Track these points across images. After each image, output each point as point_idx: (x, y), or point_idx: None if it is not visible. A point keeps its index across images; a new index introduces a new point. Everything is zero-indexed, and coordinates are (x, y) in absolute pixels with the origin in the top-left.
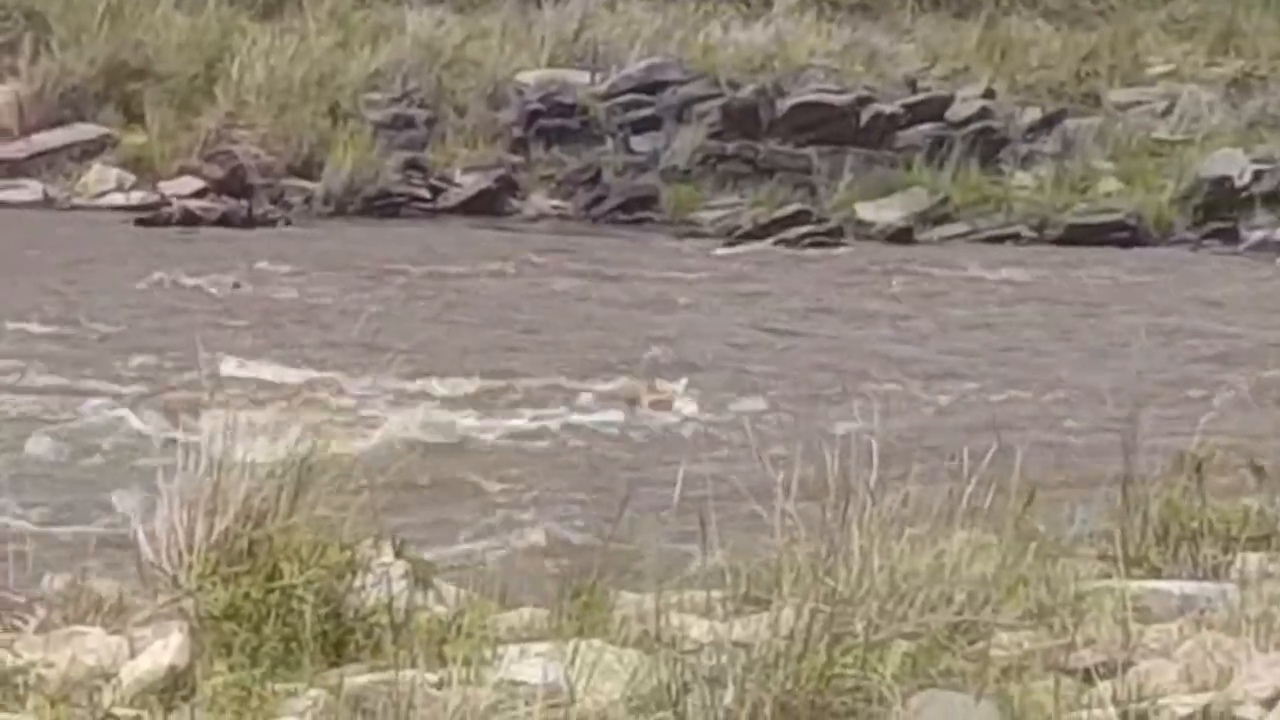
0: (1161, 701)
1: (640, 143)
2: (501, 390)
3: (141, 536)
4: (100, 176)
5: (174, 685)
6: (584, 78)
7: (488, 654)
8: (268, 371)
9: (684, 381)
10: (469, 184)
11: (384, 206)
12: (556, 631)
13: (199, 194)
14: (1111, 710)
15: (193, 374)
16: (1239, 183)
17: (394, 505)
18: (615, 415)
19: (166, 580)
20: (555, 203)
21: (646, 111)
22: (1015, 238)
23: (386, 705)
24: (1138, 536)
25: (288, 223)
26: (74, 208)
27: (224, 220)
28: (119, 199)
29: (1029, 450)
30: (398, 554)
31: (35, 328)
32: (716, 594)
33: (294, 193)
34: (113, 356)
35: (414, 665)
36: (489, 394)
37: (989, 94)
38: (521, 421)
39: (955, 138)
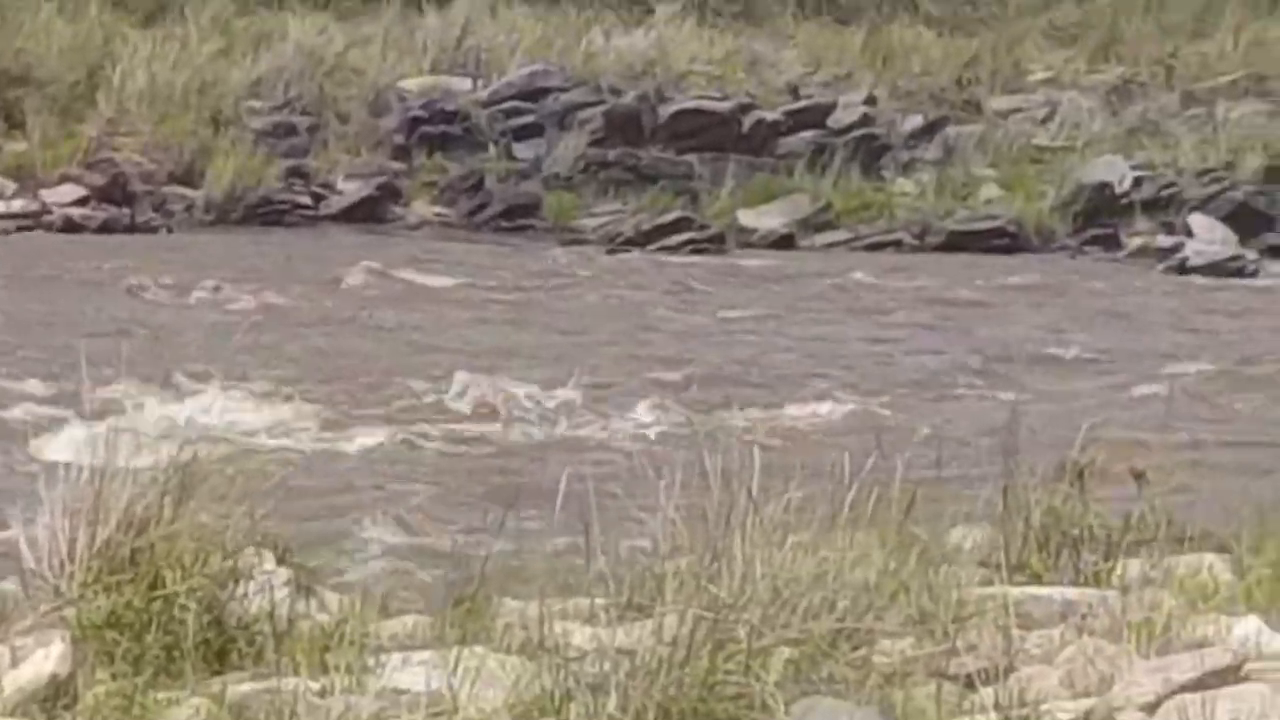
0: (1043, 707)
1: (522, 149)
2: (383, 397)
3: (23, 544)
4: None
5: (56, 694)
6: (466, 84)
7: (370, 662)
8: (142, 379)
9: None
10: (351, 191)
11: (266, 214)
12: (439, 639)
13: (80, 202)
14: (993, 716)
15: (71, 383)
16: (1119, 189)
17: (276, 513)
18: (497, 424)
19: (48, 589)
20: (437, 210)
21: (528, 118)
22: (897, 244)
23: (269, 713)
24: (1019, 543)
25: (169, 230)
26: None
27: (105, 228)
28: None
29: (911, 456)
30: (280, 561)
31: None
32: (600, 601)
33: (176, 200)
34: None
35: (296, 673)
36: (372, 401)
37: (871, 101)
38: (402, 429)
39: (837, 144)
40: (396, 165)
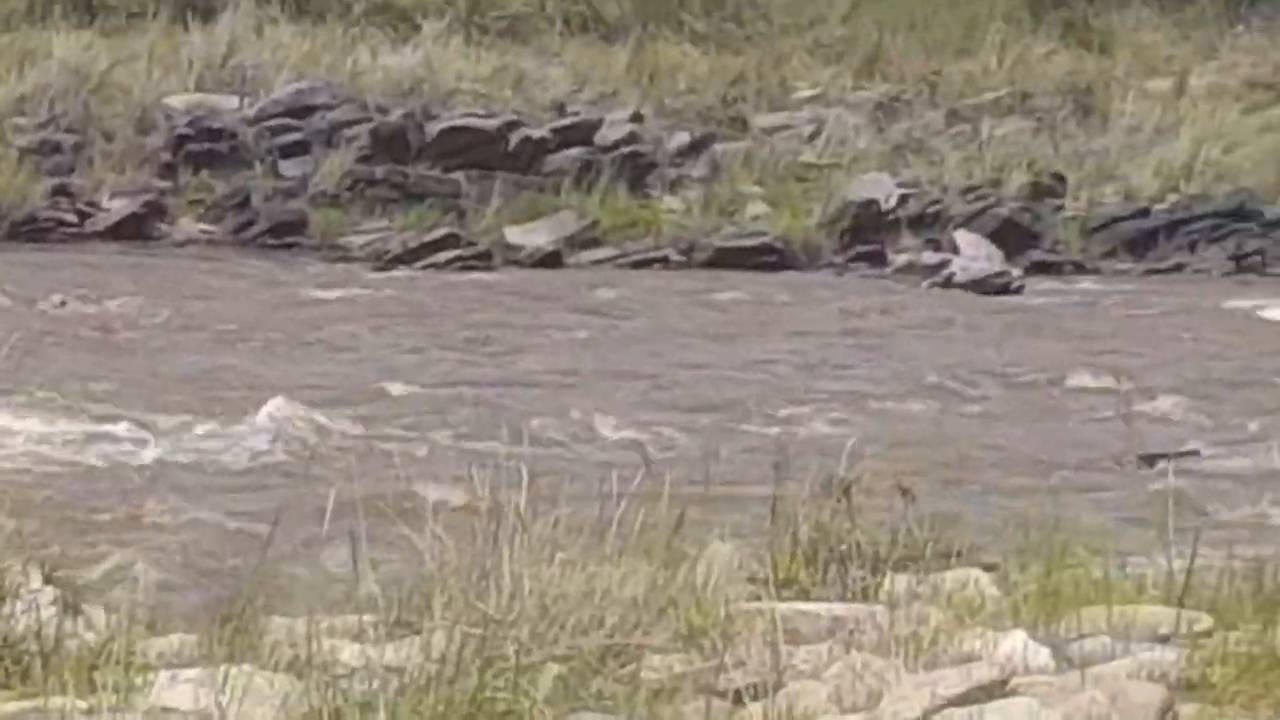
0: None
1: (289, 167)
2: (150, 417)
3: None
4: None
5: None
6: (232, 102)
7: (138, 680)
8: None
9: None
10: (117, 209)
11: (31, 231)
12: (207, 657)
13: None
14: None
15: None
16: (885, 206)
17: (43, 530)
18: (264, 440)
19: None
20: (204, 227)
21: (295, 136)
22: (663, 261)
23: None
24: (787, 559)
25: None
26: None
27: None
28: None
29: (679, 471)
30: (47, 580)
31: None
32: (368, 618)
33: None
34: None
35: (64, 692)
36: (137, 415)
37: (637, 118)
38: (170, 446)
39: (604, 162)
40: (162, 183)
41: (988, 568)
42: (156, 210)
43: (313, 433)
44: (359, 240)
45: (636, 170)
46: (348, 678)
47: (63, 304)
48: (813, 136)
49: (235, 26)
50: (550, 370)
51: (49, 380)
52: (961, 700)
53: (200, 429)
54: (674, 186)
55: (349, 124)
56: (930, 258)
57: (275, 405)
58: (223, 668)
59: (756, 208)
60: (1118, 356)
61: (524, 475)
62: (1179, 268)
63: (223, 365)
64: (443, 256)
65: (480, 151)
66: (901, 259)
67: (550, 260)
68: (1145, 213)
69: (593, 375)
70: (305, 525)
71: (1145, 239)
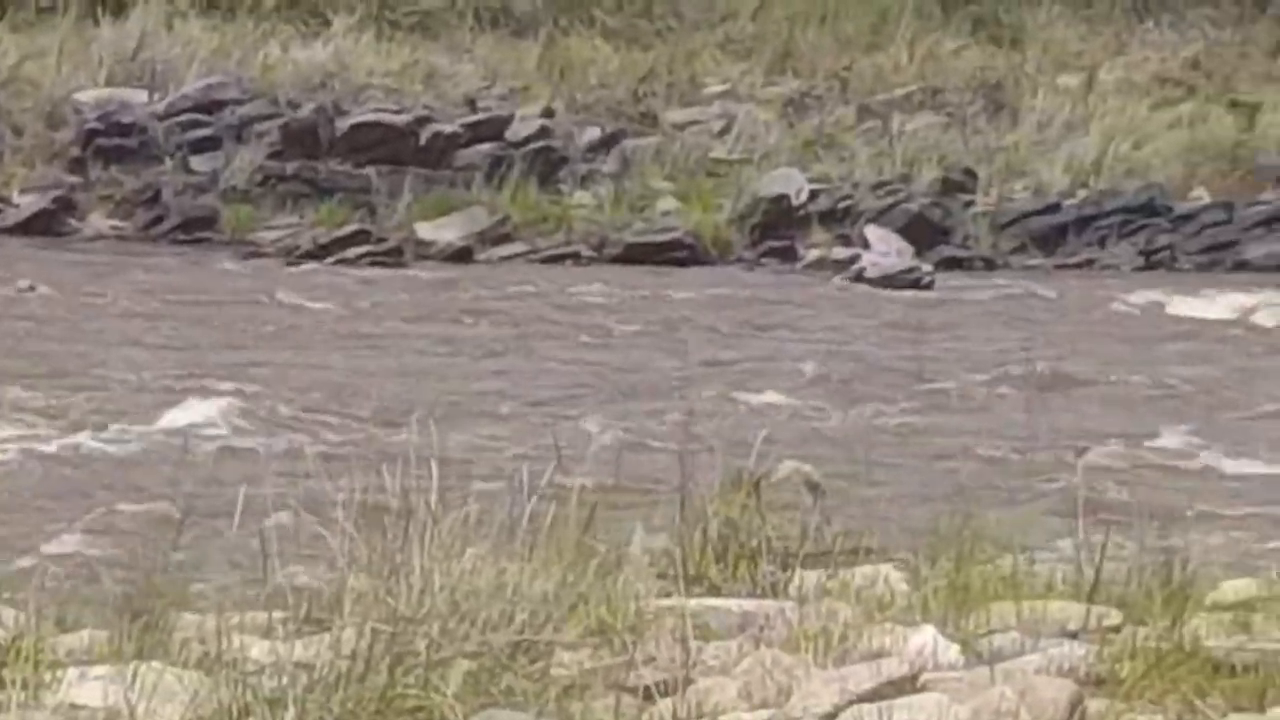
0: (722, 718)
1: (200, 162)
2: (59, 408)
3: None
4: None
5: None
6: (142, 97)
7: (47, 677)
8: None
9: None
10: (26, 204)
11: None
12: (117, 654)
13: None
14: None
15: None
16: (795, 201)
17: None
18: (175, 437)
19: None
20: (114, 223)
21: (206, 131)
22: (575, 257)
23: None
24: (697, 554)
25: None
26: None
27: None
28: None
29: (590, 467)
30: None
31: None
32: (278, 615)
33: None
34: None
35: None
36: (45, 411)
37: (548, 113)
38: (79, 439)
39: (515, 157)
40: (73, 178)
41: (897, 564)
42: (66, 206)
43: (226, 430)
44: (270, 236)
45: (548, 166)
46: (257, 674)
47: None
48: (723, 132)
49: (145, 21)
50: (459, 370)
51: None
52: (871, 696)
53: (111, 425)
54: (585, 182)
55: (260, 119)
56: (841, 253)
57: (185, 402)
58: (132, 664)
59: (667, 203)
60: (1027, 351)
61: (434, 471)
62: (1089, 263)
63: (133, 360)
64: (353, 252)
65: (391, 147)
66: (812, 254)
67: (461, 256)
68: (1055, 208)
69: (497, 374)
70: (215, 522)
71: (1055, 234)
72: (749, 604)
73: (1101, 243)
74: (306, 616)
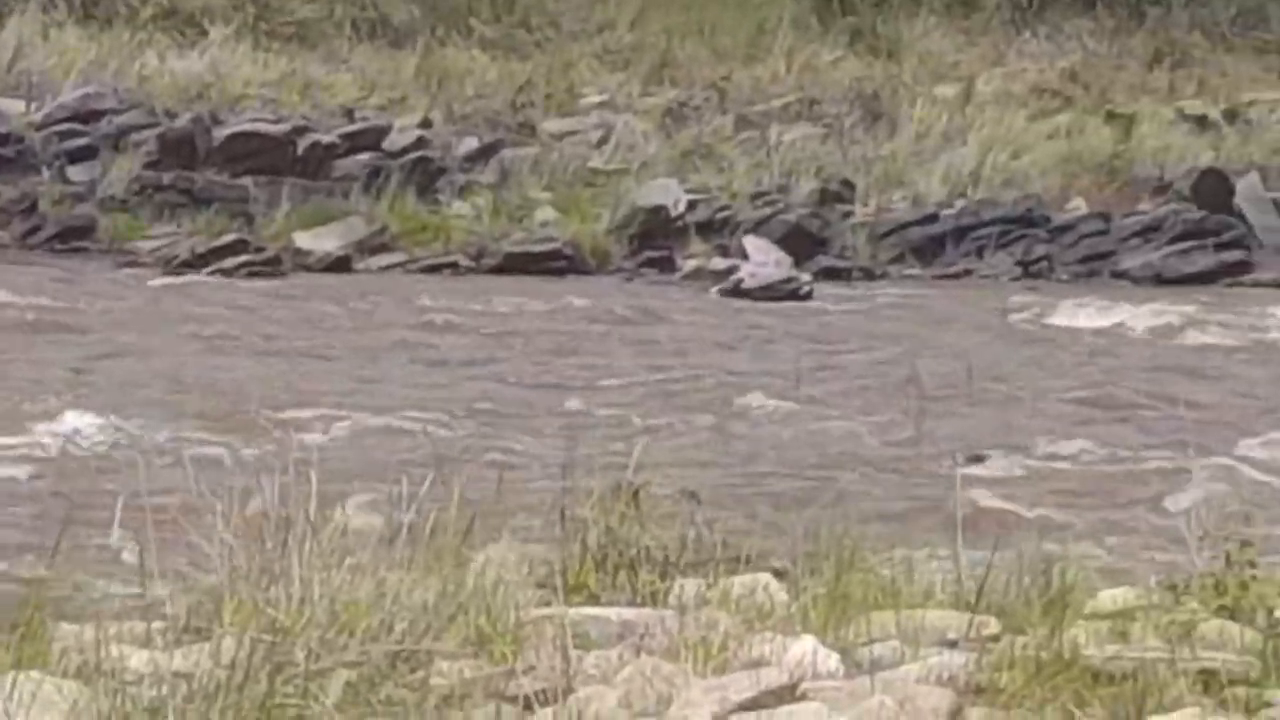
0: None
1: (77, 172)
2: None
3: None
4: None
5: None
6: (19, 106)
7: None
8: None
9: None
10: None
11: None
12: None
13: None
14: None
15: None
16: (674, 212)
17: None
18: (50, 448)
19: None
20: None
21: (83, 140)
22: (453, 266)
23: None
24: (577, 563)
25: None
26: None
27: None
28: None
29: (469, 477)
30: None
31: None
32: (157, 624)
33: None
34: None
35: None
36: None
37: (426, 124)
38: None
39: (393, 167)
40: None
41: (777, 573)
42: None
43: (101, 439)
44: (148, 245)
45: (426, 176)
46: (136, 684)
47: None
48: (601, 142)
49: (21, 30)
50: (339, 375)
51: None
52: (751, 705)
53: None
54: (463, 192)
55: (136, 129)
56: (719, 263)
57: (62, 413)
58: (10, 674)
59: (545, 213)
60: (906, 360)
61: (313, 481)
62: (967, 273)
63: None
64: (231, 262)
65: (268, 157)
66: (690, 265)
67: (339, 265)
68: (933, 218)
69: (373, 381)
70: (94, 532)
71: (933, 244)
72: (629, 613)
73: (979, 253)
74: (186, 626)
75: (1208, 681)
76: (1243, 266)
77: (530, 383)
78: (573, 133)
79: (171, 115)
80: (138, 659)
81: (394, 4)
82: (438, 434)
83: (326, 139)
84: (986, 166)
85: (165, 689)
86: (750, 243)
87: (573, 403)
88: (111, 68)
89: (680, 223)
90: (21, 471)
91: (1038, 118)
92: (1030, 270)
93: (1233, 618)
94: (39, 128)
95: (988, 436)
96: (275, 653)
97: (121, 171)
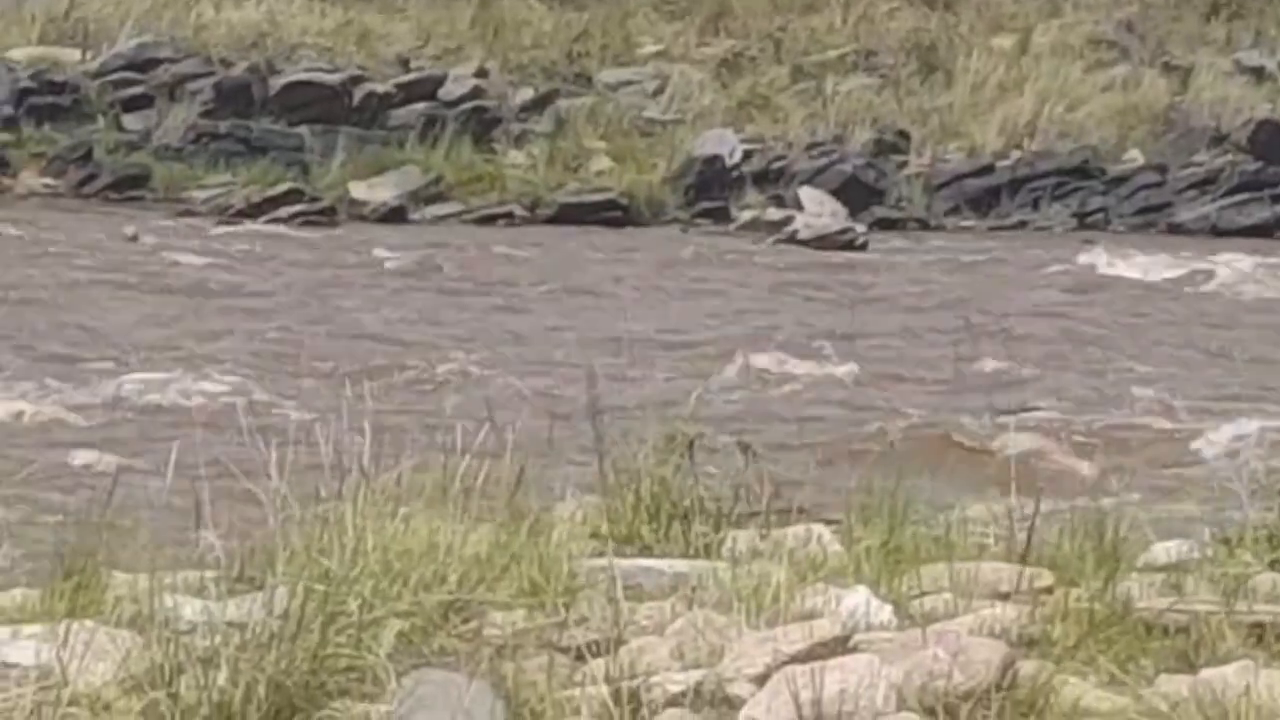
0: (654, 679)
1: (132, 121)
2: None
3: None
4: None
5: None
6: (75, 56)
7: None
8: None
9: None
10: None
11: None
12: (48, 613)
13: None
14: (604, 688)
15: None
16: (729, 162)
17: None
18: (101, 395)
19: None
20: (46, 181)
21: (138, 90)
22: (508, 217)
23: None
24: (630, 514)
25: None
26: None
27: None
28: None
29: (522, 428)
30: None
31: None
32: (210, 574)
33: None
34: None
35: None
36: None
37: (482, 73)
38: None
39: (448, 116)
40: (5, 136)
41: (830, 524)
42: None
43: (161, 389)
44: (202, 195)
45: (481, 125)
46: (190, 633)
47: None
48: (657, 92)
49: None
50: (388, 323)
51: None
52: (803, 657)
53: (45, 382)
54: (519, 142)
55: (192, 78)
56: (774, 214)
57: (119, 364)
58: (64, 623)
59: (601, 163)
60: (961, 312)
61: (368, 430)
62: (1022, 225)
63: (63, 321)
64: (286, 211)
65: (324, 106)
66: (746, 215)
67: (394, 215)
68: (989, 170)
69: (429, 332)
70: (149, 481)
71: (989, 196)
72: (681, 564)
73: (1035, 204)
74: (239, 575)
75: (1261, 634)
76: None
77: (580, 333)
78: (629, 83)
79: (227, 64)
80: (191, 608)
81: None
82: (492, 380)
83: (382, 88)
84: (1043, 118)
85: (218, 639)
86: (805, 193)
87: (619, 356)
88: (168, 17)
89: (736, 173)
90: (69, 420)
91: (1094, 69)
92: (1086, 222)
93: None
94: (95, 76)
95: (1040, 388)
96: (328, 603)
97: (177, 120)
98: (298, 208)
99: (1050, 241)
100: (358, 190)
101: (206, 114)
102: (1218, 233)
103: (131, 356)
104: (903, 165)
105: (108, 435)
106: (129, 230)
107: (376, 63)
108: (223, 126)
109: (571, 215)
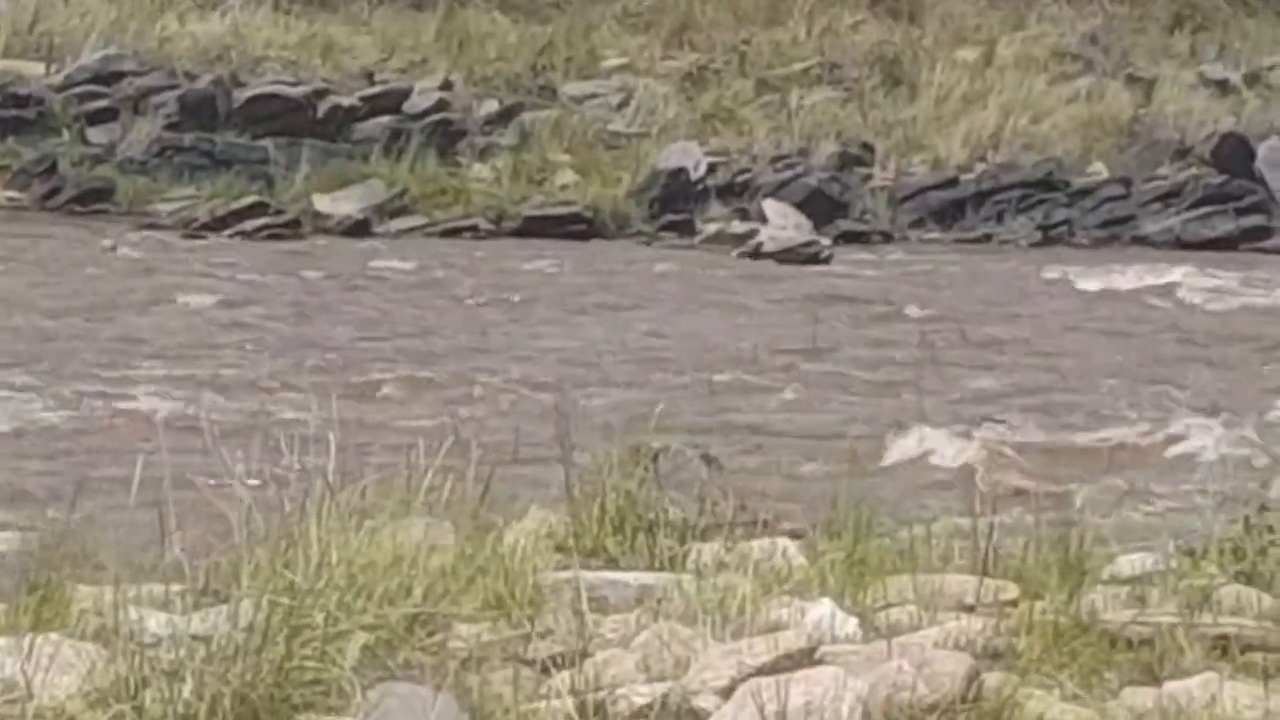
0: (619, 691)
1: (97, 134)
2: None
3: None
4: None
5: None
6: (40, 69)
7: None
8: None
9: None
10: None
11: None
12: (12, 626)
13: None
14: (569, 700)
15: None
16: (694, 175)
17: None
18: (66, 410)
19: None
20: (11, 194)
21: (103, 103)
22: (473, 230)
23: None
24: (595, 527)
25: None
26: None
27: None
28: None
29: (485, 440)
30: None
31: None
32: (175, 587)
33: None
34: None
35: None
36: None
37: (447, 86)
38: None
39: (413, 130)
40: None
41: (795, 537)
42: None
43: (127, 401)
44: (167, 208)
45: (446, 138)
46: (155, 647)
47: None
48: (621, 105)
49: None
50: (355, 335)
51: None
52: (769, 669)
53: (12, 394)
54: (483, 155)
55: (157, 90)
56: (739, 227)
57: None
58: (29, 637)
59: (565, 176)
60: (923, 324)
61: (332, 443)
62: (987, 237)
63: (21, 329)
64: (250, 225)
65: (288, 119)
66: (710, 228)
67: (359, 229)
68: (953, 182)
69: (398, 348)
70: (112, 494)
71: (953, 209)
72: (647, 577)
73: (999, 217)
74: (204, 589)
75: (1225, 647)
76: (1263, 232)
77: (537, 348)
78: (593, 96)
79: (192, 77)
80: (156, 621)
81: None
82: (455, 393)
83: (347, 101)
84: (1007, 130)
85: (183, 651)
86: (770, 206)
87: (584, 369)
88: (132, 29)
89: (700, 186)
90: (38, 433)
91: (1058, 81)
92: (1050, 235)
93: (1250, 583)
94: (59, 89)
95: (1005, 400)
96: (293, 615)
97: (141, 133)
98: (262, 221)
99: (1015, 254)
100: (322, 203)
101: (171, 127)
102: (1182, 245)
103: (101, 369)
104: (867, 178)
105: (70, 446)
106: (106, 242)
107: (341, 76)
108: (187, 139)
109: (536, 229)
